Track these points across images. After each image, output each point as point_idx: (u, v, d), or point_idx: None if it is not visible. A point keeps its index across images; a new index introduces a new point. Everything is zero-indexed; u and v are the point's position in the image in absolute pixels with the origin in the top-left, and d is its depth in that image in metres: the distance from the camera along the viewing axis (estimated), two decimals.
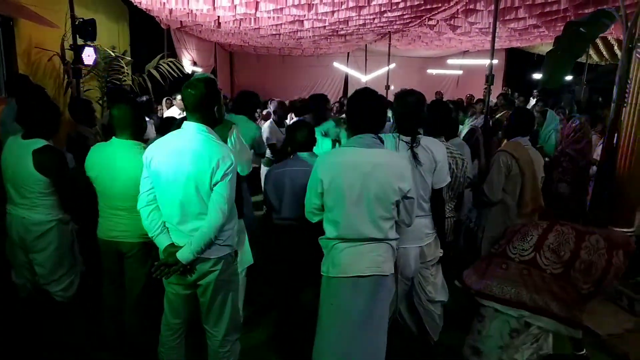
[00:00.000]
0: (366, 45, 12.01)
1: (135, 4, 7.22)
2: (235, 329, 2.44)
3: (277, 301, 3.06)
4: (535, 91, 11.57)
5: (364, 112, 2.22)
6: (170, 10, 7.39)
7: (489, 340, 2.53)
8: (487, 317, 2.55)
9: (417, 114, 2.51)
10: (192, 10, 7.19)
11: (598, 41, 10.76)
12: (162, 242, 2.23)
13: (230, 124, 2.93)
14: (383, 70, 11.41)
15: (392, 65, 12.29)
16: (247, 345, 3.13)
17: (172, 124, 3.08)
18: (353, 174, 2.15)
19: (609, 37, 9.52)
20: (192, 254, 2.14)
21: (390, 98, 9.26)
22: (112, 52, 7.32)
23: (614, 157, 3.79)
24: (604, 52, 10.73)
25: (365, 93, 2.27)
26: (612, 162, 3.80)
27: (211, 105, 2.21)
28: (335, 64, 14.12)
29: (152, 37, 9.46)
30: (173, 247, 2.19)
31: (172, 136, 2.24)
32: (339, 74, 15.18)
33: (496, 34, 8.67)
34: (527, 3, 6.17)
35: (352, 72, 14.05)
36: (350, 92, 13.74)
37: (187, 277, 2.24)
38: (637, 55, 3.59)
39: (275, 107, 5.71)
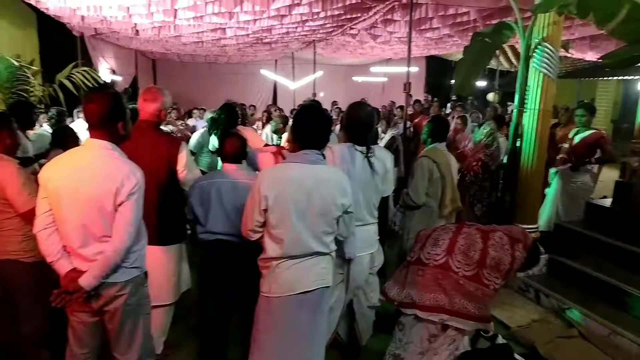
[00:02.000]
0: (293, 53, 12.08)
1: (42, 10, 6.77)
2: (148, 355, 2.32)
3: (203, 321, 2.94)
4: (453, 97, 12.22)
5: (309, 129, 2.22)
6: (82, 17, 7.01)
7: (409, 347, 2.59)
8: (407, 325, 2.61)
9: (370, 125, 2.57)
10: (106, 17, 6.86)
11: (507, 49, 11.56)
12: (62, 268, 2.07)
13: (180, 142, 2.87)
14: (311, 77, 11.53)
15: (320, 73, 12.44)
16: None
17: (67, 135, 2.92)
18: (298, 190, 2.13)
19: (517, 46, 10.25)
20: (96, 279, 2.02)
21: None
22: (16, 61, 6.77)
23: (517, 159, 4.07)
24: (513, 60, 11.54)
25: (311, 110, 2.29)
26: (516, 164, 4.08)
27: (115, 121, 2.09)
28: (263, 72, 14.05)
29: (64, 44, 8.88)
30: (74, 273, 2.05)
31: (72, 154, 2.11)
32: (267, 82, 15.11)
33: (414, 42, 9.08)
34: (440, 14, 6.49)
35: (280, 80, 14.05)
36: (279, 100, 13.87)
37: (92, 304, 2.10)
38: (534, 64, 3.88)
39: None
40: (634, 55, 2.55)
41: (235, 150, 2.76)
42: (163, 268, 2.84)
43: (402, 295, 2.58)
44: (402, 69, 12.46)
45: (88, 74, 7.75)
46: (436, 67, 14.56)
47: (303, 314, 2.22)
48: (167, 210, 2.80)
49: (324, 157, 2.31)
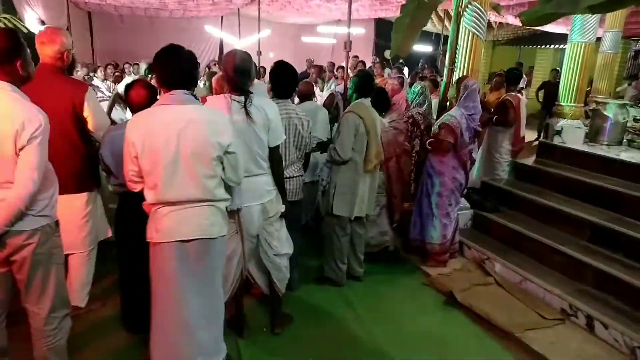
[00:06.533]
0: (239, 9, 11.65)
1: None
2: (62, 305, 2.27)
3: (122, 274, 2.92)
4: (400, 60, 12.30)
5: (170, 68, 2.12)
6: None
7: None
8: None
9: (247, 72, 2.51)
10: None
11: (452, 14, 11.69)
12: None
13: (87, 85, 2.72)
14: (258, 35, 11.21)
15: (267, 32, 12.09)
16: (92, 322, 3.01)
17: None
18: (166, 133, 2.06)
19: None
20: None
21: (264, 64, 9.10)
22: None
23: None
24: None
25: (171, 49, 2.16)
26: None
27: (11, 60, 1.96)
28: (207, 28, 13.50)
29: None
30: None
31: None
32: (213, 39, 14.54)
33: (359, 2, 8.97)
34: None
35: (226, 37, 13.58)
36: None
37: None
38: (464, 23, 3.96)
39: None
40: (547, 13, 2.65)
41: (142, 98, 2.64)
42: (74, 215, 2.79)
43: None
44: (350, 29, 12.37)
45: (10, 22, 7.19)
46: (385, 30, 14.49)
47: (184, 264, 2.18)
48: (74, 158, 2.71)
49: (197, 98, 2.23)
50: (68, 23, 11.33)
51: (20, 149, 1.93)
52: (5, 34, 1.95)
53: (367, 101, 3.47)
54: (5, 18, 7.17)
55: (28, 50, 2.08)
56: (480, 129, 4.21)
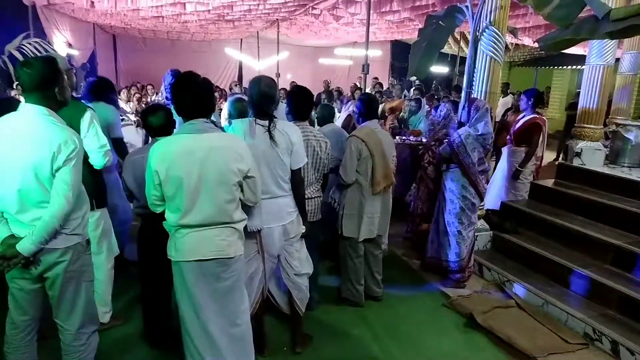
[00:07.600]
0: (258, 32, 11.94)
1: None
2: (91, 321, 2.34)
3: (145, 292, 2.98)
4: (417, 81, 12.41)
5: (189, 98, 2.20)
6: None
7: None
8: None
9: (271, 98, 2.58)
10: None
11: (468, 36, 11.79)
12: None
13: (85, 108, 2.80)
14: (275, 58, 11.47)
15: (286, 54, 12.37)
16: (116, 338, 3.05)
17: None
18: (189, 161, 2.13)
19: None
20: (34, 245, 2.01)
21: (282, 85, 9.26)
22: None
23: None
24: None
25: (188, 78, 2.24)
26: None
27: (50, 86, 2.07)
28: (227, 50, 13.84)
29: (14, 14, 8.49)
30: (12, 239, 2.04)
31: (6, 119, 2.08)
32: (232, 61, 14.91)
33: (376, 25, 9.14)
34: None
35: (245, 59, 13.89)
36: (245, 79, 13.71)
37: (32, 270, 2.10)
38: (481, 47, 4.01)
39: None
40: (565, 39, 2.69)
41: (160, 122, 2.75)
42: None
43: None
44: (368, 52, 12.54)
45: (40, 45, 7.46)
46: (401, 52, 14.65)
47: (203, 283, 2.25)
48: None
49: (216, 125, 2.31)
50: (94, 46, 11.79)
51: (56, 170, 2.03)
52: (45, 62, 2.07)
53: (373, 123, 3.53)
54: (36, 42, 7.45)
55: (65, 77, 2.20)
56: (491, 149, 4.23)
